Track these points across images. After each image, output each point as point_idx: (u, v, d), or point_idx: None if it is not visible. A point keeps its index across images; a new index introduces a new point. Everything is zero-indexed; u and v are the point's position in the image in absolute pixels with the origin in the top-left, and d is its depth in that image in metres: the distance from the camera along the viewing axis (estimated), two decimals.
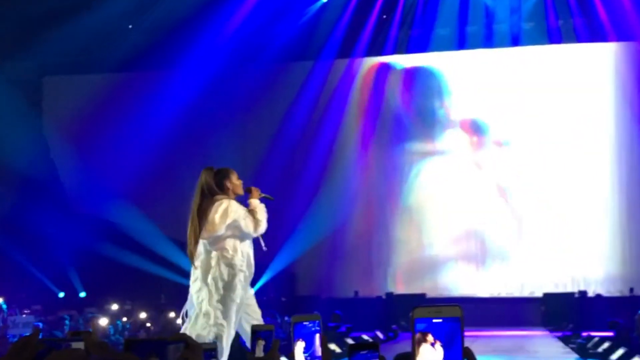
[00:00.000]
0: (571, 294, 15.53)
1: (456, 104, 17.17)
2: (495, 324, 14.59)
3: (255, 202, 6.13)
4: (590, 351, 10.24)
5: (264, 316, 12.99)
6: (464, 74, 17.14)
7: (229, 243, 6.00)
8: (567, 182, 16.48)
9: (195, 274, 6.06)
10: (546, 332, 14.26)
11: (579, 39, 16.77)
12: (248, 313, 6.13)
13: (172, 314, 12.61)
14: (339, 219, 16.90)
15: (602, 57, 16.81)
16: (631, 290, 15.56)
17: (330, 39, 17.19)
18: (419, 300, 15.84)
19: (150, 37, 16.21)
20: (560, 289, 15.79)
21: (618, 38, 16.48)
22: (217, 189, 6.02)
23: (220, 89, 16.79)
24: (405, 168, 17.31)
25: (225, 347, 5.88)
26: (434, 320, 1.73)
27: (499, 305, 15.84)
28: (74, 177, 17.63)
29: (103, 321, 11.20)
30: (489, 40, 16.98)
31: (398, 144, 17.37)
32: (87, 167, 17.20)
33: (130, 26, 17.02)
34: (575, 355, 10.27)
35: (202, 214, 5.95)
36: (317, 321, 2.22)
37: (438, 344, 1.74)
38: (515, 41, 16.92)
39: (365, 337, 12.76)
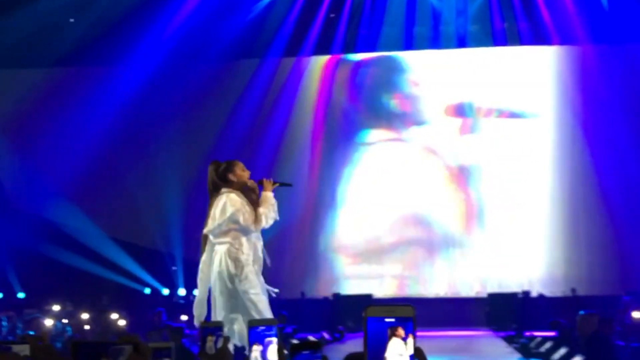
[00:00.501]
0: (515, 294, 15.72)
1: (403, 102, 17.24)
2: (440, 324, 14.66)
3: (265, 196, 5.97)
4: (533, 351, 10.32)
5: (206, 318, 12.82)
6: (411, 73, 17.23)
7: (233, 237, 5.84)
8: (509, 185, 16.68)
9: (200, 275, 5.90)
10: (490, 332, 14.39)
11: (523, 42, 16.98)
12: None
13: (113, 315, 12.39)
14: (286, 218, 16.75)
15: (545, 60, 17.05)
16: (573, 290, 15.81)
17: (278, 36, 17.11)
18: (366, 300, 15.83)
19: (93, 32, 15.91)
20: (504, 290, 15.99)
21: (561, 42, 16.74)
22: (221, 182, 5.87)
23: (165, 86, 16.56)
24: (354, 167, 17.32)
25: (239, 343, 5.67)
26: (387, 320, 1.71)
27: (444, 306, 15.93)
28: (12, 175, 17.23)
29: (48, 322, 10.95)
30: (436, 41, 17.11)
31: (346, 142, 17.38)
32: (27, 165, 16.83)
33: (72, 20, 16.67)
34: (519, 355, 10.34)
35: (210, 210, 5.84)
36: (273, 326, 2.17)
37: (410, 338, 1.71)
38: (462, 43, 17.08)
39: (311, 338, 12.70)
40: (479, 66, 16.96)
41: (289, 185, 6.56)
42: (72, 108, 16.38)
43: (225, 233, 5.84)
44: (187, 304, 16.18)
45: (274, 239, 16.48)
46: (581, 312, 8.34)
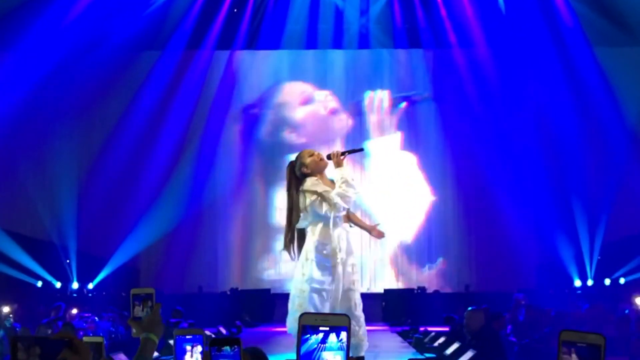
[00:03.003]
0: (411, 290, 16.05)
1: (303, 100, 17.30)
2: None
3: (337, 174, 5.61)
4: (427, 346, 10.50)
5: (102, 312, 12.50)
6: (312, 72, 17.31)
7: (314, 225, 5.58)
8: (403, 186, 16.99)
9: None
10: (386, 327, 14.61)
11: (424, 45, 17.27)
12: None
13: (4, 308, 12.02)
14: (184, 212, 16.67)
15: (445, 63, 17.39)
16: (466, 287, 16.26)
17: (180, 29, 16.87)
18: (264, 295, 15.91)
19: None
20: (401, 286, 16.30)
21: (460, 45, 17.12)
22: (300, 179, 5.62)
23: (62, 76, 16.05)
24: (253, 162, 17.30)
25: None
26: (321, 328, 1.74)
27: None
28: None
29: None
30: (338, 41, 17.21)
31: (247, 138, 17.34)
32: None
33: None
34: (413, 350, 10.52)
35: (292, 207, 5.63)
36: (199, 335, 2.20)
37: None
38: (364, 43, 17.25)
39: (207, 332, 12.64)
40: (379, 67, 17.19)
41: (360, 150, 6.30)
42: None
43: (310, 223, 5.59)
44: (80, 298, 15.85)
45: (172, 233, 16.44)
46: (469, 308, 8.56)
